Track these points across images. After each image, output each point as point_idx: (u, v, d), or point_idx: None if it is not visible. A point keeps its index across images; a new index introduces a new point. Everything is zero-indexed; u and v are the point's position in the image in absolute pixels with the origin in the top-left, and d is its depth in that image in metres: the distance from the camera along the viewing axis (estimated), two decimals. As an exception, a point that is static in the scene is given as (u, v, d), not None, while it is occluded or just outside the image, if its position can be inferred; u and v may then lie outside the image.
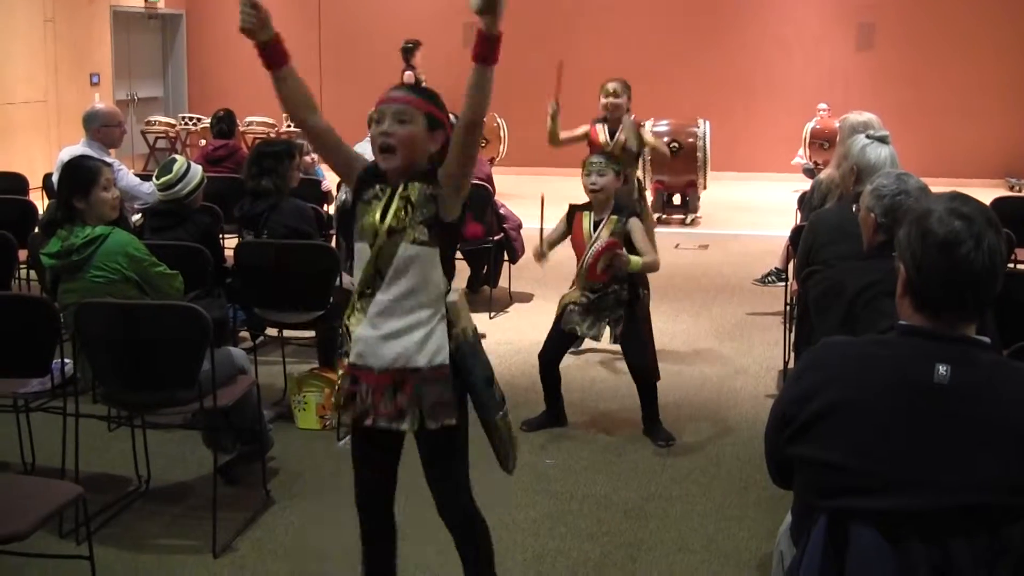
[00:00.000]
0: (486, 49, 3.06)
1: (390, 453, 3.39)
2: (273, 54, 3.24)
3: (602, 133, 7.09)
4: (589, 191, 5.72)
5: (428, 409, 3.19)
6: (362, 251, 3.23)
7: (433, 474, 3.35)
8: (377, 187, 3.26)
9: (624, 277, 5.64)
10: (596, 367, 6.97)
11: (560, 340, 5.81)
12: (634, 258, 5.56)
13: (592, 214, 5.75)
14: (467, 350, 3.25)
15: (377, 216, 3.20)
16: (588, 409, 6.19)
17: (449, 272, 3.25)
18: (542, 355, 5.82)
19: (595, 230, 5.68)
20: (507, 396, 3.44)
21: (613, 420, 6.01)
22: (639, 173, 7.71)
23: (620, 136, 6.99)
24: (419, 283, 3.17)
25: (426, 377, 3.18)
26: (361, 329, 3.22)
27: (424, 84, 13.85)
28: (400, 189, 3.19)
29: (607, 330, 5.72)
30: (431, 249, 3.17)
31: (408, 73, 13.64)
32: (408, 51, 13.75)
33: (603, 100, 7.11)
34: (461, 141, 3.16)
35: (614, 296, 5.66)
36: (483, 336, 3.40)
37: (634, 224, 5.66)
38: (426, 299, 3.19)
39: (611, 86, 7.12)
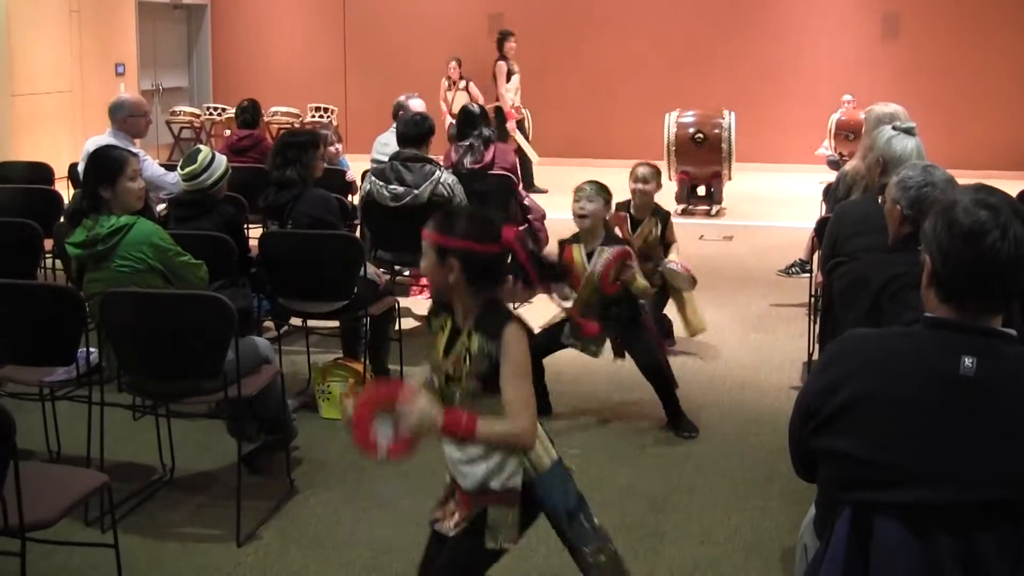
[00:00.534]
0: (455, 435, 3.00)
1: None
2: None
3: (626, 222, 6.80)
4: (577, 216, 5.69)
5: (490, 526, 3.12)
6: (434, 382, 3.20)
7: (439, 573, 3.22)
8: (443, 315, 3.19)
9: (622, 298, 5.64)
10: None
11: (549, 342, 5.75)
12: (641, 280, 5.59)
13: (582, 246, 5.71)
14: (546, 480, 3.14)
15: (439, 356, 3.14)
16: (611, 399, 6.19)
17: None
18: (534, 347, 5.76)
19: (589, 261, 5.64)
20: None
21: (636, 411, 6.00)
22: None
23: (645, 228, 6.76)
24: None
25: (499, 499, 3.11)
26: (447, 449, 3.17)
27: (516, 74, 13.63)
28: (465, 336, 3.08)
29: (607, 347, 5.76)
30: (487, 398, 3.05)
31: (500, 63, 13.56)
32: (501, 41, 13.73)
33: (632, 185, 6.78)
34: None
35: (614, 319, 5.68)
36: (569, 469, 3.29)
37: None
38: None
39: (641, 171, 6.77)
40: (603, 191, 5.75)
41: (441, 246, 3.03)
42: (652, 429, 5.76)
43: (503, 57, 13.66)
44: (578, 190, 5.74)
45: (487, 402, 3.04)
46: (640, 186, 6.70)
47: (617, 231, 6.13)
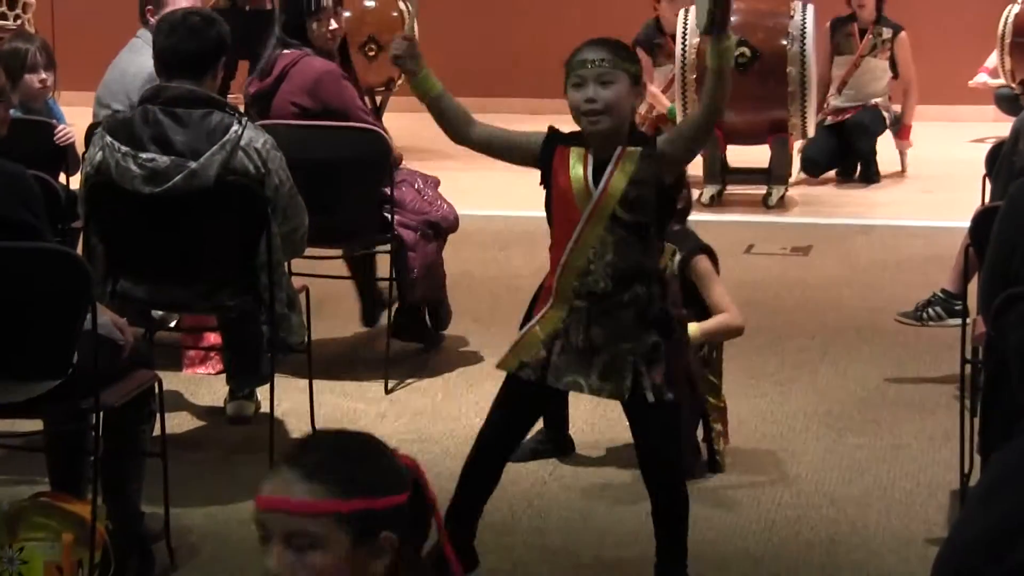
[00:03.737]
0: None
1: None
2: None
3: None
4: (583, 113, 5.59)
5: None
6: None
7: None
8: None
9: (649, 275, 5.69)
10: (601, 485, 6.97)
11: (517, 415, 5.86)
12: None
13: (591, 152, 5.66)
14: None
15: None
16: (587, 561, 6.22)
17: None
18: (484, 442, 5.86)
19: (596, 183, 5.57)
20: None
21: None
22: None
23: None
24: None
25: None
26: None
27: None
28: None
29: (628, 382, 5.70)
30: None
31: None
32: None
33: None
34: None
35: (633, 309, 5.66)
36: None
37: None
38: None
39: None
40: (623, 57, 5.67)
41: (369, 513, 3.00)
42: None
43: None
44: (575, 64, 5.60)
45: None
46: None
47: None
